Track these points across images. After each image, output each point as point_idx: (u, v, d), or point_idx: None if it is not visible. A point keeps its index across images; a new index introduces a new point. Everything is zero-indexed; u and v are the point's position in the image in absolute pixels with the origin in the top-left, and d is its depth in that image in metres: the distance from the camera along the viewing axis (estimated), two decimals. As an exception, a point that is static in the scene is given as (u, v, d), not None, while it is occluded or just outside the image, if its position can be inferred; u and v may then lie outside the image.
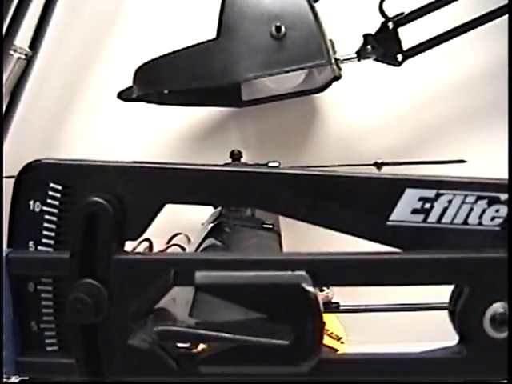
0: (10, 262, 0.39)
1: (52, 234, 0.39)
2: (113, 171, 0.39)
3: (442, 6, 0.65)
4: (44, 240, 0.39)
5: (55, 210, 0.39)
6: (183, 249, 0.69)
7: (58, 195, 0.39)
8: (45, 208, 0.39)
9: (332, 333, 0.64)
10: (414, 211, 0.39)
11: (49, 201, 0.39)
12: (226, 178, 0.39)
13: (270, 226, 0.61)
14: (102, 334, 0.38)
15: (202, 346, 0.40)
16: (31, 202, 0.39)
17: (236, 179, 0.39)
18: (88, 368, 0.38)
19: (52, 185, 0.39)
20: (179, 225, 0.70)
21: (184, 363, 0.38)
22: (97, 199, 0.38)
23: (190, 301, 0.40)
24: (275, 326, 0.37)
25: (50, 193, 0.39)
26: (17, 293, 0.40)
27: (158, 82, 0.68)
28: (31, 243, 0.40)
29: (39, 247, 0.40)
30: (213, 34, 0.63)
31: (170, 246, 0.70)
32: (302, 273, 0.38)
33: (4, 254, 0.39)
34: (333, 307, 0.60)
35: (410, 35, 0.67)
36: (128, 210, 0.39)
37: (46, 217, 0.39)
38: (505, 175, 0.40)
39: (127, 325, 0.38)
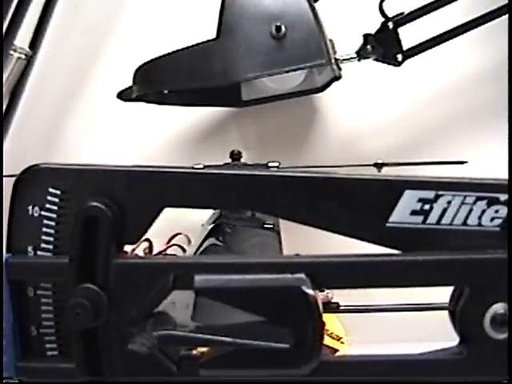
0: (10, 267, 0.39)
1: (51, 238, 0.40)
2: (111, 175, 0.39)
3: (442, 5, 0.65)
4: (43, 245, 0.40)
5: (54, 215, 0.39)
6: (183, 249, 0.69)
7: (57, 200, 0.39)
8: (43, 213, 0.39)
9: (332, 333, 0.64)
10: (414, 212, 0.39)
11: (47, 206, 0.39)
12: (224, 182, 0.39)
13: (271, 226, 0.61)
14: (101, 339, 0.38)
15: (202, 349, 0.40)
16: (30, 207, 0.39)
17: (235, 182, 0.39)
18: (88, 372, 0.39)
19: (51, 190, 0.39)
20: (179, 225, 0.70)
21: (184, 367, 0.38)
22: (95, 204, 0.38)
23: (190, 304, 0.40)
24: (275, 329, 0.37)
25: (49, 198, 0.39)
26: (16, 298, 0.40)
27: (157, 82, 0.68)
28: (30, 248, 0.40)
29: (38, 252, 0.40)
30: (213, 34, 0.63)
31: (170, 247, 0.70)
32: (302, 275, 0.38)
33: (3, 259, 0.39)
34: (333, 307, 0.60)
35: (410, 35, 0.67)
36: (127, 214, 0.39)
37: (45, 222, 0.39)
38: (505, 176, 0.39)
39: (127, 329, 0.38)
